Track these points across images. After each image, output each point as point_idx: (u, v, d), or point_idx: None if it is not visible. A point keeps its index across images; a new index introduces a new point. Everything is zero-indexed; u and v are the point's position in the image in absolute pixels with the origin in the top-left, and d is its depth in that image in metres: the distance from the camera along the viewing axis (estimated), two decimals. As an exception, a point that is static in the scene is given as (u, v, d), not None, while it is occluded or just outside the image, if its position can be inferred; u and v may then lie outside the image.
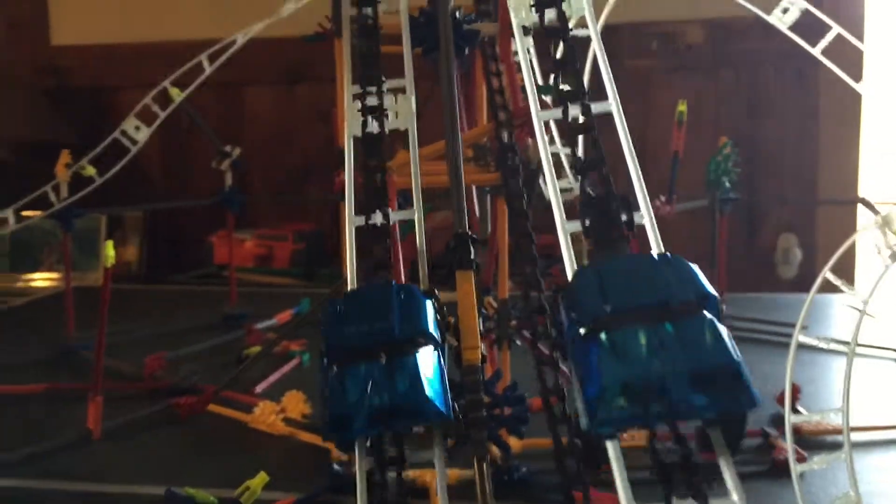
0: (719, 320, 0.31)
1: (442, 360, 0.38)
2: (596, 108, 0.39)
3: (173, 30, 1.96)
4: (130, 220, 1.89)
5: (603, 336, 0.31)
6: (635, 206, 0.37)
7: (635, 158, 0.37)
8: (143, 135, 1.01)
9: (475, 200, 0.86)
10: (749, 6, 0.83)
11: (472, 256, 0.43)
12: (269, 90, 2.02)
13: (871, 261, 0.66)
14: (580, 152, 0.39)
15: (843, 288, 0.60)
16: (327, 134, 2.06)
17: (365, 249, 0.45)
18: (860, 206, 1.11)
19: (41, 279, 1.76)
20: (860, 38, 1.81)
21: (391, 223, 0.44)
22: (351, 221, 0.43)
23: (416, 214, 0.44)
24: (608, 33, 1.23)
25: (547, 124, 0.46)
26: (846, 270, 1.61)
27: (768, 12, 0.98)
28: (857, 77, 1.09)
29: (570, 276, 0.36)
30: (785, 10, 0.85)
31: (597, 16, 1.07)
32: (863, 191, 1.78)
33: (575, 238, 0.38)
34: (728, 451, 0.32)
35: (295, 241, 1.85)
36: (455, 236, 0.43)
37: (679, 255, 0.34)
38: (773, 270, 1.84)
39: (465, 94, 0.76)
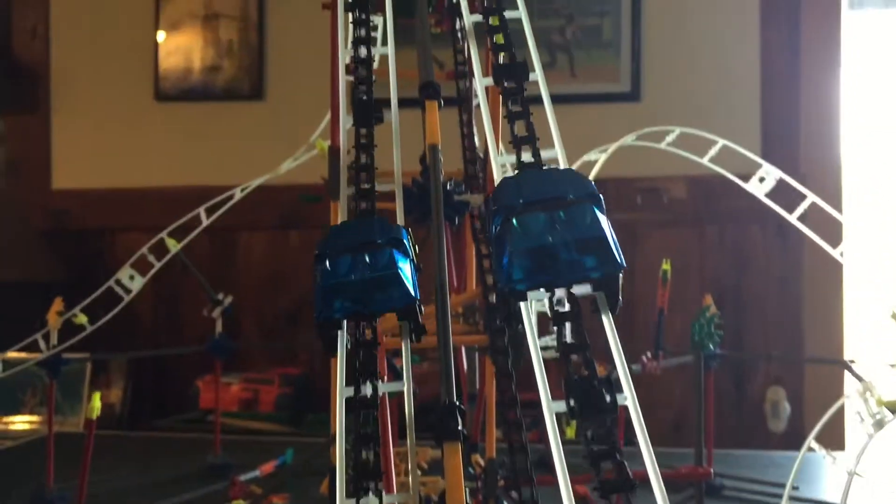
0: (601, 212, 0.42)
1: (412, 267, 0.46)
2: (577, 290, 0.41)
3: (171, 176, 2.01)
4: (116, 361, 1.89)
5: (514, 220, 0.42)
6: (618, 388, 0.38)
7: (619, 348, 0.39)
8: (136, 284, 1.03)
9: (463, 357, 0.87)
10: (728, 175, 0.87)
11: (460, 427, 0.43)
12: (263, 235, 2.06)
13: (857, 423, 0.67)
14: (566, 334, 0.41)
15: (827, 456, 0.60)
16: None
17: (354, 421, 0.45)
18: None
19: (22, 422, 1.73)
20: (838, 203, 1.89)
21: (380, 394, 0.44)
22: (341, 393, 0.44)
23: (406, 386, 0.45)
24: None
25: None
26: (836, 428, 1.60)
27: (749, 174, 1.03)
28: (839, 237, 1.12)
29: (553, 449, 0.38)
30: (762, 179, 0.89)
31: (587, 172, 1.11)
32: (849, 348, 1.80)
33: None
34: (609, 310, 0.42)
35: (281, 384, 1.84)
36: (442, 407, 0.43)
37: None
38: (762, 423, 1.83)
39: (455, 255, 0.78)
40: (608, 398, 0.36)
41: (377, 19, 0.88)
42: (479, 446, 0.91)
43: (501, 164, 0.46)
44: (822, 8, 1.92)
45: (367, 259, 0.45)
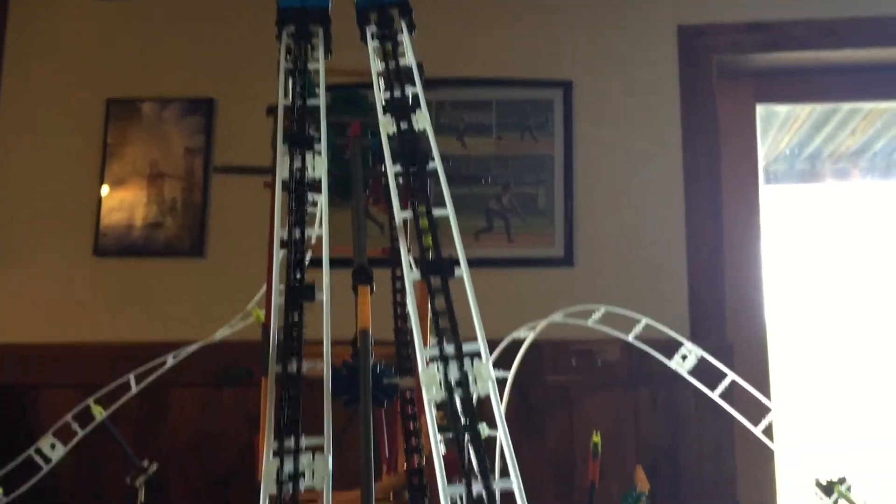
0: None
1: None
2: (498, 484, 0.42)
3: (103, 332, 1.98)
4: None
5: None
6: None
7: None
8: (57, 453, 0.99)
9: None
10: (652, 352, 0.90)
11: None
12: (194, 392, 2.01)
13: None
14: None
15: None
16: (251, 438, 2.03)
17: None
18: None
19: None
20: (765, 371, 1.94)
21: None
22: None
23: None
24: (530, 349, 1.30)
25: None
26: None
27: (679, 343, 1.06)
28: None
29: None
30: (684, 357, 0.93)
31: (517, 348, 1.13)
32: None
33: None
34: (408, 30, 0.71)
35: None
36: None
37: None
38: None
39: (388, 436, 0.78)
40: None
41: (318, 197, 0.92)
42: None
43: (426, 357, 0.48)
44: (741, 182, 2.05)
45: None
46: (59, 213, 2.08)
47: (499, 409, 0.44)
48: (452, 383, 0.45)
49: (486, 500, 0.41)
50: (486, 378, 0.46)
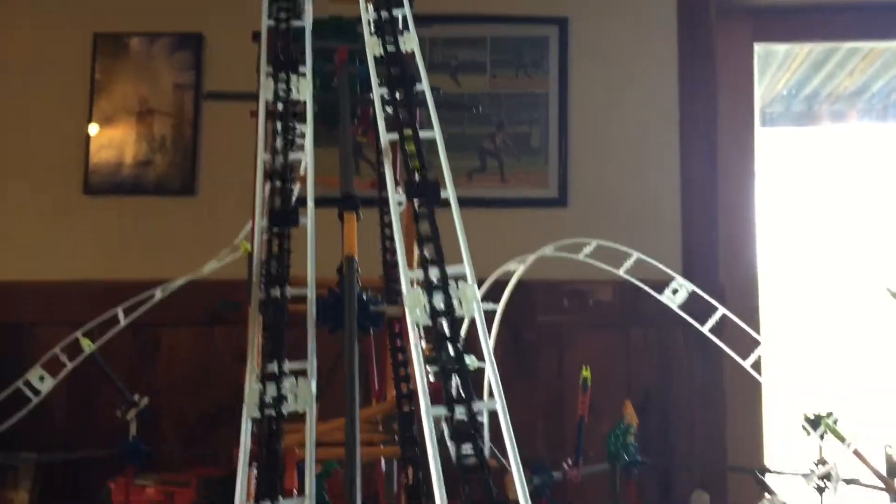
0: None
1: None
2: (484, 406, 0.41)
3: (95, 270, 1.97)
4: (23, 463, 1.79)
5: None
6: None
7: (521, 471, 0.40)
8: (46, 385, 0.99)
9: (382, 468, 0.85)
10: (643, 286, 0.90)
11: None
12: (186, 331, 2.01)
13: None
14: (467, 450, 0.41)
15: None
16: (242, 375, 2.04)
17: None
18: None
19: (-84, 528, 1.62)
20: (755, 312, 1.95)
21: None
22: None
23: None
24: (522, 290, 1.30)
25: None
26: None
27: (671, 281, 1.06)
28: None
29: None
30: (675, 291, 0.93)
31: (507, 280, 1.13)
32: (769, 453, 1.82)
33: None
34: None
35: (199, 487, 1.77)
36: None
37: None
38: (688, 529, 1.82)
39: (377, 365, 0.78)
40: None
41: (304, 127, 0.90)
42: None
43: (411, 279, 0.47)
44: (737, 124, 2.03)
45: None
46: (47, 151, 2.05)
47: (484, 331, 0.44)
48: (437, 306, 0.44)
49: (468, 420, 0.41)
50: (472, 299, 0.45)
